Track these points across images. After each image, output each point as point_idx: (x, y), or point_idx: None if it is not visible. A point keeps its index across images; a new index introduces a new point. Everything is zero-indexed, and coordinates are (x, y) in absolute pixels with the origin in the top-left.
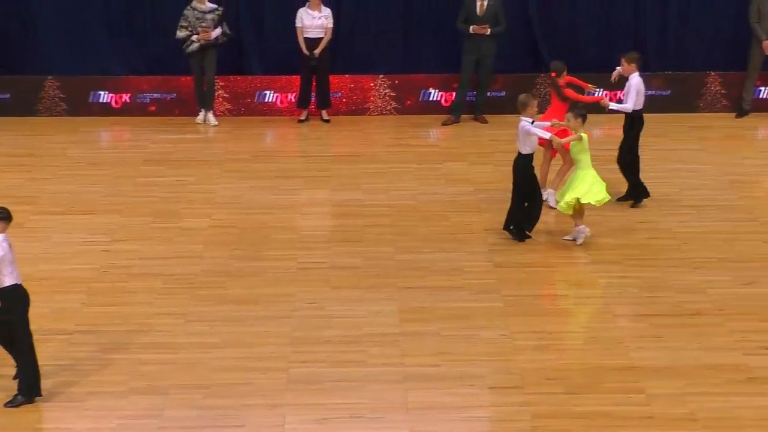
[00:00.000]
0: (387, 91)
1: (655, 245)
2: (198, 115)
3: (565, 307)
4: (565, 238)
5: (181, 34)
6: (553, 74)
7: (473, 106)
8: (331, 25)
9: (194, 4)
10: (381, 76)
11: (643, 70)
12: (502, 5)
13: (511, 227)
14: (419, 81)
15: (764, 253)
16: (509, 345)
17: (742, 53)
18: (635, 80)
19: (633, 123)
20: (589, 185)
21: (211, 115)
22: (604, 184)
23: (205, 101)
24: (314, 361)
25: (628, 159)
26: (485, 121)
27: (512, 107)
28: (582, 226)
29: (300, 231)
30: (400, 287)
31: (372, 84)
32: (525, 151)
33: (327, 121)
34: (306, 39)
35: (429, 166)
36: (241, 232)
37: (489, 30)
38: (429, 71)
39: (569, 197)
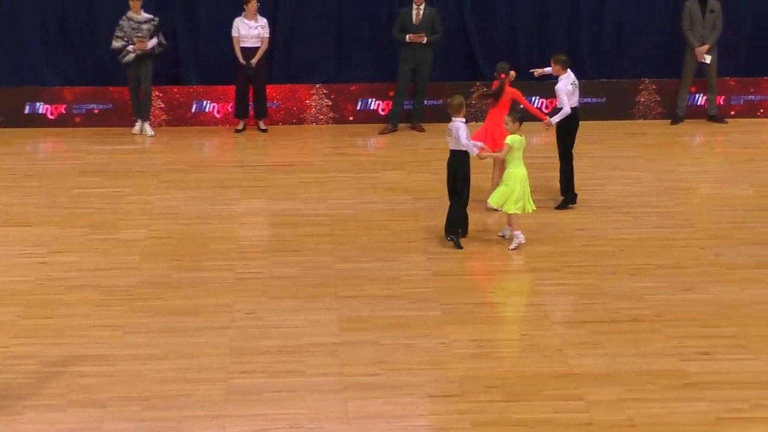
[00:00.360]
0: (324, 100)
1: (592, 252)
2: (134, 125)
3: (503, 314)
4: (510, 248)
5: (116, 44)
6: (503, 75)
7: (410, 115)
8: (268, 35)
9: (130, 14)
10: (318, 85)
11: (578, 77)
12: (438, 14)
13: (451, 236)
14: (356, 90)
15: (701, 259)
16: (448, 353)
17: (676, 60)
18: (560, 83)
19: (565, 121)
20: (515, 192)
21: (147, 126)
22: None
23: (142, 112)
24: (253, 371)
25: (565, 165)
26: (423, 130)
27: (448, 115)
28: (518, 232)
29: (238, 241)
30: (338, 296)
31: (309, 93)
32: (458, 148)
33: (264, 130)
34: (243, 49)
35: (367, 175)
36: (178, 242)
37: (425, 38)
38: (366, 80)
39: (520, 207)
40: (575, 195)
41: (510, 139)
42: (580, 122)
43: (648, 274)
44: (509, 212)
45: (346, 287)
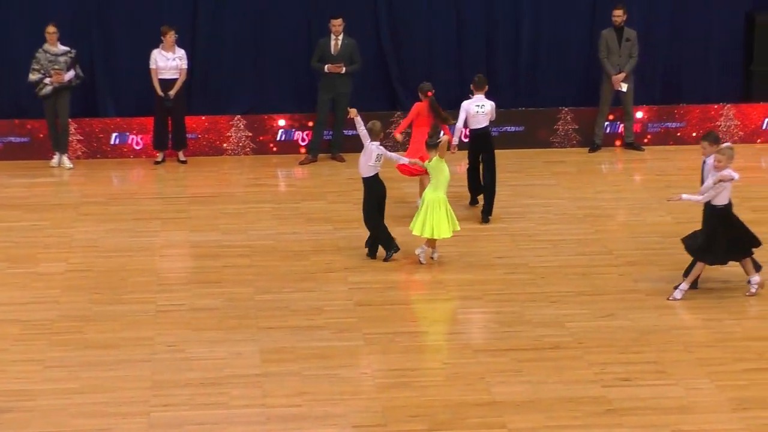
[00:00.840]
0: (244, 131)
1: (513, 280)
2: (53, 158)
3: (425, 343)
4: (418, 251)
5: (33, 77)
6: (430, 93)
7: (330, 145)
8: (186, 66)
9: (46, 46)
10: (237, 116)
11: (497, 106)
12: (356, 44)
13: (384, 256)
14: (276, 120)
15: (620, 286)
16: (371, 383)
17: (593, 89)
18: (464, 103)
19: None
20: (443, 217)
21: (65, 159)
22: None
23: (60, 144)
24: (175, 404)
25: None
26: (343, 160)
27: None
28: (427, 248)
29: (158, 273)
30: (260, 327)
31: (228, 124)
32: (367, 174)
33: (184, 162)
34: (161, 80)
35: (287, 205)
36: (98, 275)
37: (344, 69)
38: (285, 110)
39: (428, 231)
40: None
41: (428, 164)
42: (501, 150)
43: (568, 301)
44: (419, 235)
45: (267, 318)
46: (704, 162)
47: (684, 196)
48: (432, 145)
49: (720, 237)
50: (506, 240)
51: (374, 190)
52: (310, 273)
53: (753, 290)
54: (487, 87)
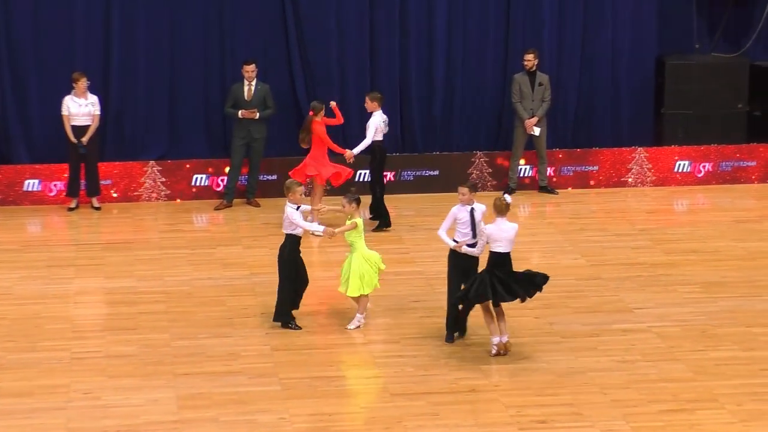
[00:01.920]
0: (158, 177)
1: (428, 324)
2: None
3: (343, 388)
4: (349, 327)
5: None
6: (311, 113)
7: (245, 190)
8: (99, 112)
9: None
10: (151, 162)
11: (409, 150)
12: (269, 89)
13: (288, 323)
14: (190, 166)
15: (535, 328)
16: (289, 428)
17: (506, 133)
18: (375, 117)
19: (374, 154)
20: (365, 274)
21: None
22: (374, 267)
23: None
24: None
25: (378, 192)
26: (258, 205)
27: (284, 190)
28: (362, 315)
29: (73, 320)
30: (177, 374)
31: (143, 170)
32: (291, 232)
33: (98, 208)
34: (73, 127)
35: (203, 251)
36: (12, 323)
37: (257, 114)
38: (200, 156)
39: (355, 290)
40: (389, 219)
41: (358, 220)
42: (416, 194)
43: (484, 344)
44: (354, 295)
45: (184, 364)
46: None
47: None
48: (353, 199)
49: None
50: (422, 283)
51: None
52: (226, 318)
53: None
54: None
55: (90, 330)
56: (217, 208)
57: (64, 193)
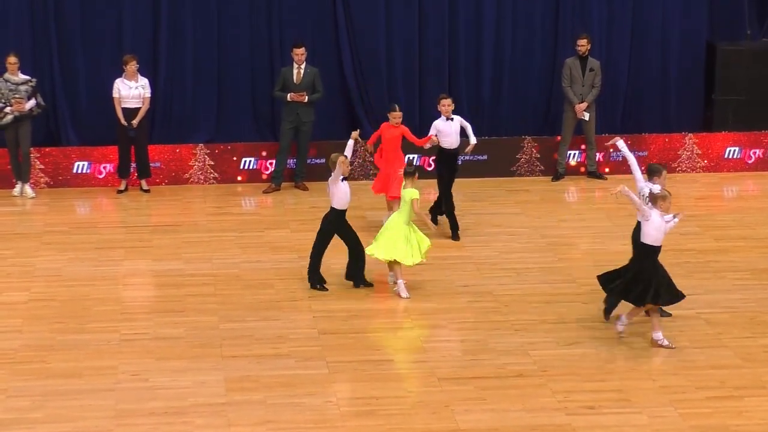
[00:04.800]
0: (207, 159)
1: (477, 308)
2: (14, 187)
3: (390, 372)
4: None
5: None
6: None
7: (293, 174)
8: (149, 95)
9: (6, 75)
10: (200, 144)
11: (460, 135)
12: (318, 73)
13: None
14: (239, 149)
15: (583, 314)
16: (336, 411)
17: (555, 118)
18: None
19: (450, 161)
20: (408, 244)
21: (28, 188)
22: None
23: (22, 173)
24: None
25: (447, 201)
26: (306, 189)
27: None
28: (401, 280)
29: (122, 302)
30: (224, 356)
31: (192, 153)
32: (338, 206)
33: (147, 191)
34: (124, 109)
35: (251, 234)
36: (61, 305)
37: (306, 98)
38: (249, 139)
39: (388, 255)
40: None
41: (411, 193)
42: (464, 179)
43: (532, 329)
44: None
45: (231, 347)
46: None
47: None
48: (409, 172)
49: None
50: (471, 268)
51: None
52: (274, 302)
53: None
54: None
55: (138, 312)
56: (265, 192)
57: (114, 175)
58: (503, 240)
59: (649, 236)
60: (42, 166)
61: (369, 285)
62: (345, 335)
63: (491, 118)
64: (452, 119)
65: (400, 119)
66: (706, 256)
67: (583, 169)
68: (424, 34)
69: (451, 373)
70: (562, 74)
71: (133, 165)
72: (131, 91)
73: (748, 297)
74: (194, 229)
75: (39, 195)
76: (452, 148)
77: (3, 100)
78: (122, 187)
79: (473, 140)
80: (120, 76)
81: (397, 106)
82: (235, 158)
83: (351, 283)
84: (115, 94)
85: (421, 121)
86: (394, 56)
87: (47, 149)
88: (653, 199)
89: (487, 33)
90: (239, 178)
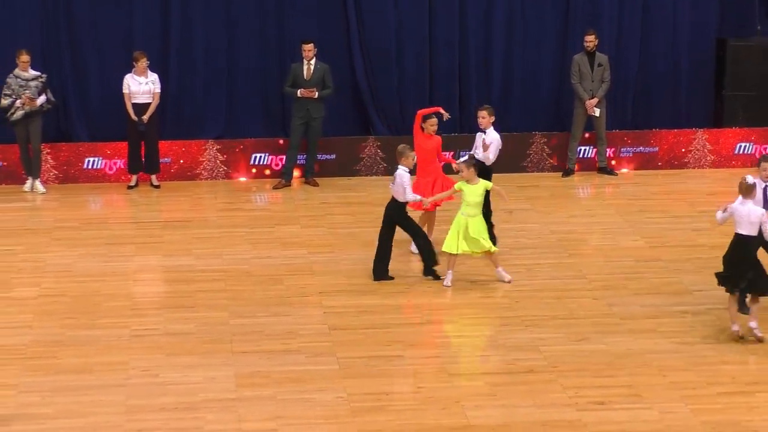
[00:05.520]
0: (217, 155)
1: (488, 304)
2: (25, 183)
3: (401, 367)
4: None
5: (4, 102)
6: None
7: (304, 169)
8: (159, 90)
9: (17, 71)
10: (210, 140)
11: (467, 131)
12: (329, 69)
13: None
14: (249, 145)
15: (593, 309)
16: (346, 407)
17: (565, 114)
18: (495, 134)
19: (488, 173)
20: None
21: (38, 183)
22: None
23: (32, 169)
24: (150, 429)
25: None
26: (316, 184)
27: (342, 170)
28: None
29: (132, 298)
30: (235, 352)
31: (202, 149)
32: (400, 199)
33: (157, 186)
34: (134, 105)
35: (261, 229)
36: (72, 300)
37: (316, 93)
38: (258, 135)
39: (479, 247)
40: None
41: (458, 184)
42: None
43: (543, 325)
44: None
45: (242, 343)
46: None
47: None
48: (471, 164)
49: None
50: (481, 264)
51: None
52: (284, 297)
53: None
54: None
55: (149, 308)
56: (275, 187)
57: (124, 171)
58: (513, 236)
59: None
60: (52, 162)
61: (437, 278)
62: (355, 331)
63: (501, 115)
64: (485, 132)
65: (435, 127)
66: (717, 252)
67: (593, 165)
68: (435, 31)
69: (462, 369)
70: (570, 71)
71: (143, 160)
72: (141, 86)
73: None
74: (205, 225)
75: (49, 191)
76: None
77: (13, 96)
78: (133, 183)
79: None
80: (130, 71)
81: (433, 114)
82: (245, 154)
83: (361, 278)
84: (125, 90)
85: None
86: (404, 52)
87: (58, 145)
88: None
89: (497, 28)
90: (248, 174)
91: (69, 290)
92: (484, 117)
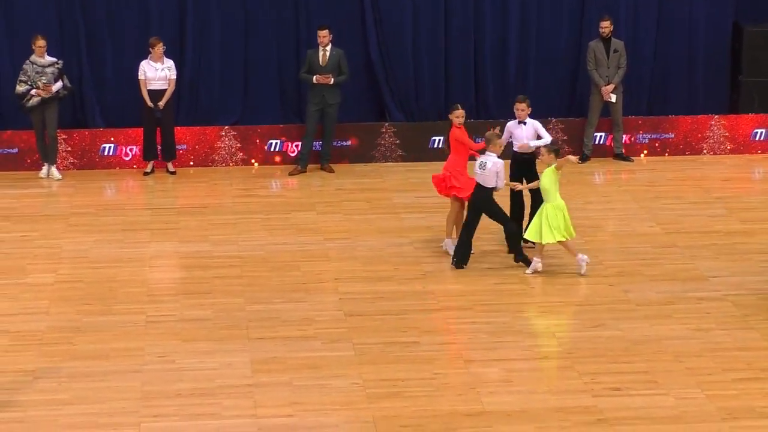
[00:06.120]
0: (233, 142)
1: (503, 290)
2: (41, 169)
3: (416, 353)
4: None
5: (20, 88)
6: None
7: (319, 156)
8: (175, 77)
9: (33, 58)
10: (226, 127)
11: (485, 118)
12: (344, 55)
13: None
14: (265, 131)
15: (610, 295)
16: (362, 393)
17: (581, 100)
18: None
19: (523, 165)
20: (563, 220)
21: (54, 170)
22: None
23: (48, 155)
24: (166, 415)
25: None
26: (332, 171)
27: (358, 156)
28: (580, 255)
29: (148, 284)
30: (251, 338)
31: (218, 135)
32: (489, 185)
33: (173, 173)
34: (149, 91)
35: (277, 216)
36: (88, 286)
37: (332, 80)
38: (274, 121)
39: (552, 237)
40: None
41: (553, 170)
42: None
43: (558, 311)
44: (547, 242)
45: (258, 329)
46: None
47: None
48: (552, 149)
49: None
50: (497, 250)
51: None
52: (300, 283)
53: None
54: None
55: (165, 294)
56: (291, 174)
57: (140, 158)
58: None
59: None
60: (68, 149)
61: (528, 262)
62: (371, 317)
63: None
64: (525, 123)
65: (462, 118)
66: (733, 238)
67: (609, 152)
68: (450, 17)
69: (478, 355)
70: (586, 57)
71: (159, 147)
72: (157, 72)
73: None
74: (220, 211)
75: (65, 177)
76: (524, 152)
77: (30, 83)
78: (149, 169)
79: (544, 140)
80: (146, 57)
81: (458, 105)
82: (261, 140)
83: (377, 264)
84: (141, 76)
85: (446, 101)
86: (420, 39)
87: (74, 131)
88: None
89: (512, 14)
90: (264, 160)
91: (85, 276)
92: (523, 109)
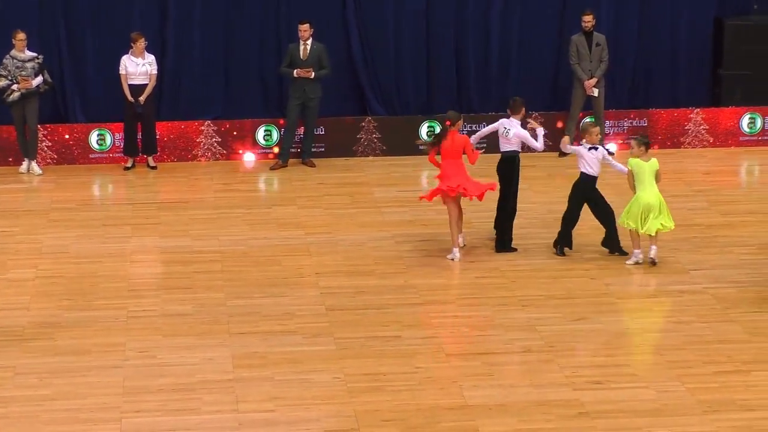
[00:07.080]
0: (214, 136)
1: (484, 284)
2: (22, 164)
3: (398, 348)
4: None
5: (0, 83)
6: (448, 123)
7: (301, 150)
8: (156, 72)
9: (13, 52)
10: (208, 121)
11: (466, 112)
12: (325, 49)
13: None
14: (246, 126)
15: (591, 289)
16: (343, 388)
17: (562, 94)
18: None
19: (516, 166)
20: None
21: (35, 165)
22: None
23: (29, 150)
24: (147, 410)
25: (510, 209)
26: (313, 165)
27: (338, 151)
28: (638, 250)
29: (129, 279)
30: (232, 333)
31: (198, 130)
32: (589, 171)
33: (154, 167)
34: (130, 86)
35: (258, 210)
36: (69, 282)
37: (313, 74)
38: (255, 116)
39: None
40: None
41: (630, 162)
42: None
43: (540, 305)
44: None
45: (239, 324)
46: None
47: None
48: (642, 142)
49: None
50: (478, 244)
51: None
52: (281, 278)
53: None
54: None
55: (146, 289)
56: (272, 168)
57: (121, 152)
58: None
59: None
60: (49, 143)
61: (623, 253)
62: (352, 311)
63: (498, 94)
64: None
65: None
66: (714, 231)
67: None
68: (432, 10)
69: (459, 349)
70: (569, 51)
71: (140, 142)
72: (138, 67)
73: (756, 271)
74: (201, 206)
75: (46, 172)
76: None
77: (10, 77)
78: (129, 164)
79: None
80: (127, 52)
81: (451, 112)
82: (241, 135)
83: (358, 258)
84: (122, 71)
85: (428, 95)
86: (401, 32)
87: (54, 126)
88: None
89: (494, 10)
90: (244, 154)
91: (66, 272)
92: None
